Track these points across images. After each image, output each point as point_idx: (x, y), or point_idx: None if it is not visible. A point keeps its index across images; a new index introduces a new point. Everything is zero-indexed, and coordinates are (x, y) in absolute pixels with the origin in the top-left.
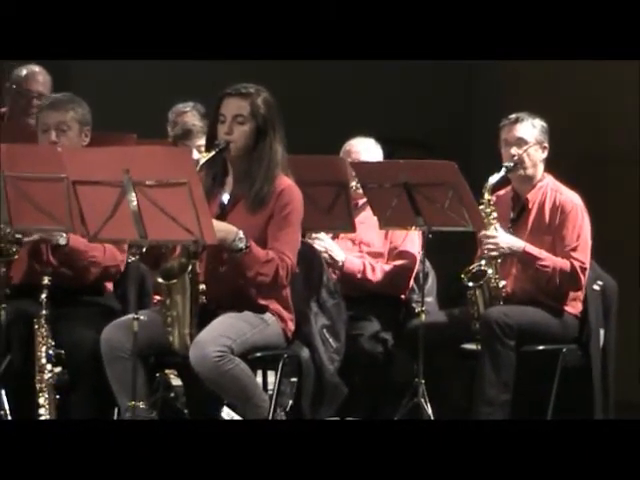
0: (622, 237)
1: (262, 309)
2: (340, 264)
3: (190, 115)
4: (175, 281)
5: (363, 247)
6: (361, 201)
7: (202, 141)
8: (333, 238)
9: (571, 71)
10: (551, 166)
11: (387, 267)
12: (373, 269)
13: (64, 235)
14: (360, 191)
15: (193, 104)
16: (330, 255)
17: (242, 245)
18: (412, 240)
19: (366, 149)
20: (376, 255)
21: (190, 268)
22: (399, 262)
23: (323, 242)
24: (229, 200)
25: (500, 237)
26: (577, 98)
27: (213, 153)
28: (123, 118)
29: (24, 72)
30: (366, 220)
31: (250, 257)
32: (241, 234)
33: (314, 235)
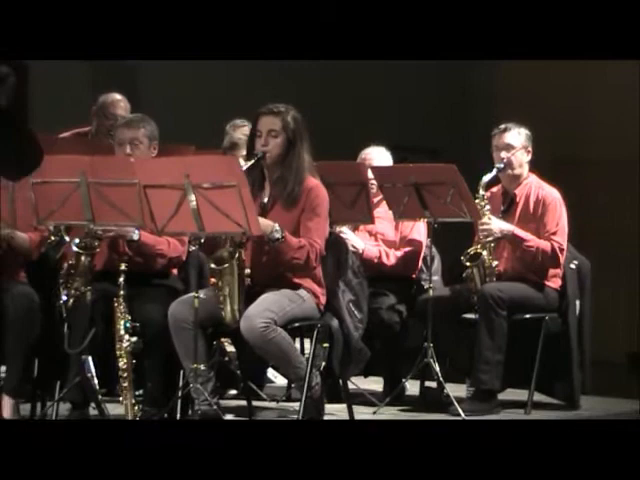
0: (595, 225)
1: (299, 287)
2: (360, 252)
3: (241, 130)
4: (225, 266)
5: (378, 237)
6: (376, 199)
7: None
8: (353, 230)
9: (561, 80)
10: (537, 166)
11: (399, 253)
12: (387, 255)
13: (136, 232)
14: (374, 190)
15: (247, 121)
16: (352, 245)
17: (278, 235)
18: (418, 230)
19: (378, 156)
20: (389, 243)
21: (237, 255)
22: (408, 248)
23: (346, 235)
24: (268, 200)
25: (493, 223)
26: (562, 106)
27: (253, 161)
28: (184, 132)
29: (109, 99)
30: (380, 215)
31: (285, 245)
32: (277, 226)
33: (338, 229)
